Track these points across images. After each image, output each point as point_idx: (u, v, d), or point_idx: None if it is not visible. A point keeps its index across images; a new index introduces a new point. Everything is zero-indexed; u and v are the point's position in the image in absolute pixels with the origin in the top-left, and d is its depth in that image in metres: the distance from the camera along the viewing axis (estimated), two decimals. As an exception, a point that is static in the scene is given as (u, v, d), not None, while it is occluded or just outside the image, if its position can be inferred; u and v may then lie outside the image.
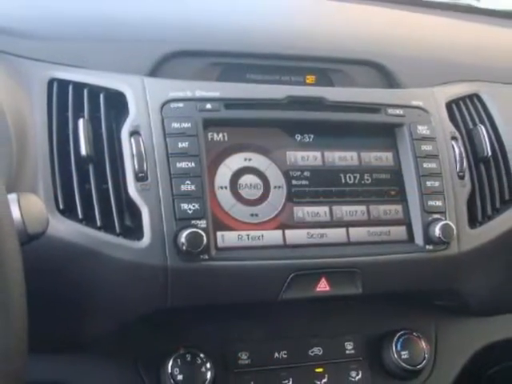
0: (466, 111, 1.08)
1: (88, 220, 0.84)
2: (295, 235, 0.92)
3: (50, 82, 0.90)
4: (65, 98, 0.89)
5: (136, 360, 0.93)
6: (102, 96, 0.90)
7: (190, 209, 0.86)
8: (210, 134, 0.91)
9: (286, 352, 0.99)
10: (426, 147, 0.99)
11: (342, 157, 0.97)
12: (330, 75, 1.04)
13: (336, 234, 0.94)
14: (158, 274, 0.85)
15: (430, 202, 0.97)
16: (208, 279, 0.87)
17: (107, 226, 0.85)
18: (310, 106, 0.96)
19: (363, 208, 0.96)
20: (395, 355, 1.01)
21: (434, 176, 0.98)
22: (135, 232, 0.86)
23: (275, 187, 0.93)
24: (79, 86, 0.90)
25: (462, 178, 1.01)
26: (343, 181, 0.96)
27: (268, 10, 1.15)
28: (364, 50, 1.07)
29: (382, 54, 1.07)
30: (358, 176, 0.97)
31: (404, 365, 1.01)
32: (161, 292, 0.86)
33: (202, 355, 0.92)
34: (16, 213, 0.66)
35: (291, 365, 0.99)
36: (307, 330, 1.01)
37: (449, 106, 1.06)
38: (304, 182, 0.94)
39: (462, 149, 1.02)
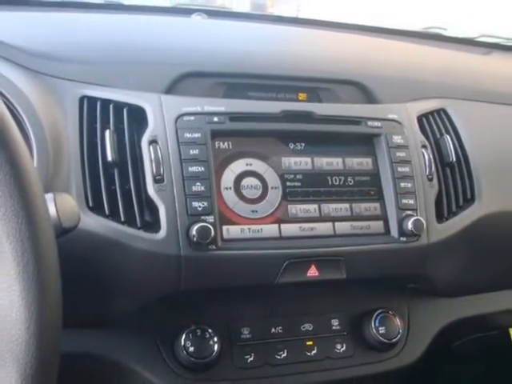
0: (434, 123, 1.08)
1: (113, 216, 0.85)
2: (289, 229, 0.92)
3: (81, 99, 0.90)
4: (93, 113, 0.89)
5: (154, 334, 0.93)
6: (125, 110, 0.90)
7: (199, 206, 0.86)
8: (216, 142, 0.91)
9: (281, 328, 0.98)
10: (400, 154, 0.99)
11: (329, 162, 0.97)
12: (319, 93, 1.04)
13: (324, 228, 0.93)
14: (173, 261, 0.85)
15: (404, 201, 0.97)
16: (215, 266, 0.87)
17: (130, 221, 0.85)
18: (301, 119, 0.96)
19: (347, 205, 0.96)
20: (374, 330, 1.00)
21: (407, 178, 0.98)
22: (153, 226, 0.86)
23: (272, 188, 0.93)
24: (106, 102, 0.90)
25: (430, 180, 1.01)
26: (330, 182, 0.96)
27: (266, 38, 1.16)
28: (347, 72, 1.07)
29: (363, 75, 1.07)
30: (342, 178, 0.97)
31: (381, 338, 1.00)
32: (175, 277, 0.86)
33: (210, 330, 0.91)
34: (52, 210, 0.66)
35: (286, 338, 0.98)
36: (299, 309, 1.00)
37: (419, 119, 1.06)
38: (297, 184, 0.94)
39: (431, 155, 1.02)
